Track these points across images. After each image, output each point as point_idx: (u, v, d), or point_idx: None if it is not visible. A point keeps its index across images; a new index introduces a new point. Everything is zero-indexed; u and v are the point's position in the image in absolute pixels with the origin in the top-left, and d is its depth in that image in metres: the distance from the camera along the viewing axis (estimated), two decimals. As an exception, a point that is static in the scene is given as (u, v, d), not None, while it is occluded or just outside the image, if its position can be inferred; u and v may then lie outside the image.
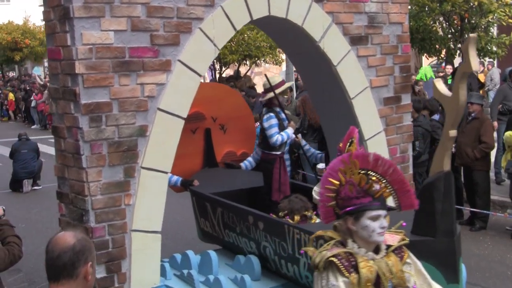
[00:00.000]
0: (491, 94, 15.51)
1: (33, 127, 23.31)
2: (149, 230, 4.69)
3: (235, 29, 5.02)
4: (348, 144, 4.93)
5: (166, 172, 4.74)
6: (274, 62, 18.88)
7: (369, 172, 3.20)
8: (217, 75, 18.30)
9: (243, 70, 18.97)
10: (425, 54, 15.72)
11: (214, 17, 4.87)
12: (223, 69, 18.77)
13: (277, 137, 5.92)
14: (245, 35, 17.30)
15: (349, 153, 3.43)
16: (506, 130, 9.19)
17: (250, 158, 6.50)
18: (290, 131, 6.06)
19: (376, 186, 3.15)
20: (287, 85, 6.31)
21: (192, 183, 5.92)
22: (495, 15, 13.15)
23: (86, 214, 4.45)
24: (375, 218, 3.07)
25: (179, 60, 4.73)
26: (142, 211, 4.64)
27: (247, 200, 5.74)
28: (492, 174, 9.93)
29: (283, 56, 17.53)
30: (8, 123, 25.84)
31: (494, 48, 13.90)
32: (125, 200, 4.59)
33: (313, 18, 5.42)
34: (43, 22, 4.75)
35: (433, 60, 18.06)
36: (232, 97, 6.81)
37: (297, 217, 4.78)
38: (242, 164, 6.44)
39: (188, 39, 4.77)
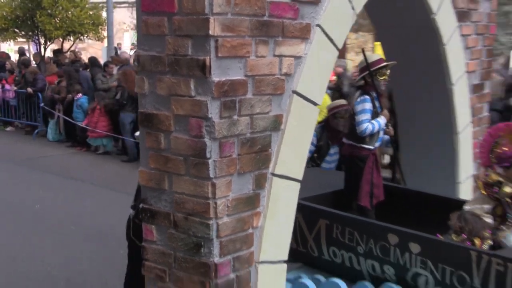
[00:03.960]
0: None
1: None
2: (275, 260, 3.04)
3: (371, -12, 3.43)
4: None
5: (300, 181, 3.10)
6: (97, 38, 18.64)
7: None
8: (43, 49, 18.11)
9: (67, 45, 18.85)
10: None
11: (351, -30, 3.25)
12: (48, 43, 18.47)
13: (367, 126, 4.36)
14: (69, 12, 17.03)
15: None
16: None
17: None
18: (382, 121, 4.49)
19: None
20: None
21: None
22: None
23: (206, 245, 2.72)
24: None
25: (319, 26, 3.07)
26: (271, 235, 2.98)
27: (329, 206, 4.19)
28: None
29: (105, 33, 17.31)
30: None
31: None
32: (253, 222, 2.90)
33: (433, -15, 3.96)
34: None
35: None
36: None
37: (478, 242, 3.36)
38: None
39: (327, -3, 3.12)
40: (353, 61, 14.78)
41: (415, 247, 3.38)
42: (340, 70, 10.70)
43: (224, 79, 2.62)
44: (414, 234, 3.43)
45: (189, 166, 2.71)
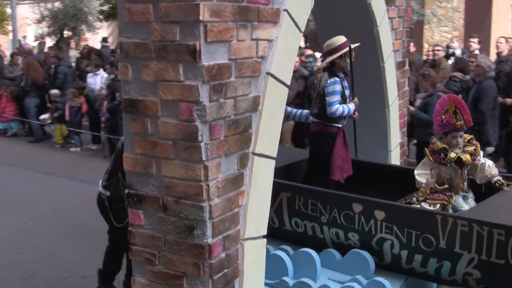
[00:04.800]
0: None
1: None
2: (257, 236, 3.10)
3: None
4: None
5: (275, 158, 3.16)
6: (2, 32, 21.01)
7: None
8: None
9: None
10: None
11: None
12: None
13: (338, 107, 4.38)
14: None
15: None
16: None
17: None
18: (352, 107, 4.53)
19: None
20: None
21: None
22: None
23: (199, 227, 2.72)
24: None
25: (286, 10, 3.12)
26: (253, 213, 3.03)
27: (288, 179, 4.29)
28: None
29: (10, 27, 19.16)
30: None
31: None
32: (239, 201, 2.93)
33: (370, -30, 4.14)
34: None
35: None
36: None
37: (454, 196, 3.62)
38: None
39: (291, -18, 3.17)
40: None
41: (379, 214, 3.55)
42: None
43: (212, 63, 2.61)
44: (378, 202, 3.61)
45: (179, 150, 2.68)
